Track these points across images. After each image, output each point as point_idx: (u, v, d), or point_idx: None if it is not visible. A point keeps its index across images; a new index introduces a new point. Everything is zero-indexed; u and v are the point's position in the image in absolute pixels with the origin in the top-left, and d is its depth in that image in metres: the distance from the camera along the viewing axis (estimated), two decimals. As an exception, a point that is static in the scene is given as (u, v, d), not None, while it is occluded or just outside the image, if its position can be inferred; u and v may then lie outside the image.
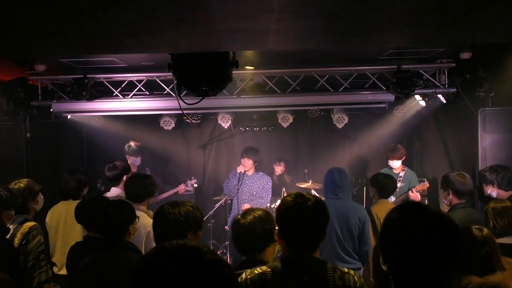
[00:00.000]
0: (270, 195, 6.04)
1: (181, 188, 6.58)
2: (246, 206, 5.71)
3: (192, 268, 1.00)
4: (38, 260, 3.46)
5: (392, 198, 5.72)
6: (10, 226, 3.45)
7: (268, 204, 6.09)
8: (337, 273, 2.06)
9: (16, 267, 3.22)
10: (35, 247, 3.46)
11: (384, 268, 1.49)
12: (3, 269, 2.63)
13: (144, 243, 3.49)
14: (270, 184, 6.08)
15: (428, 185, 5.89)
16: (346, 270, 2.10)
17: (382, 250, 1.53)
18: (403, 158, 6.15)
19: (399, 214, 1.50)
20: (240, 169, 6.03)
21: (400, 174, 6.06)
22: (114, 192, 4.38)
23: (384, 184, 4.61)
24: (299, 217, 2.07)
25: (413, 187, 5.67)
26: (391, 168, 6.10)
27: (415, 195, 5.58)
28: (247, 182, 6.11)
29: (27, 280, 3.41)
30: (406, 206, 1.57)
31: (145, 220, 3.55)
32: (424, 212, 1.48)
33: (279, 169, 7.48)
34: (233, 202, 6.15)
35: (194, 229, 2.47)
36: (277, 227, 2.24)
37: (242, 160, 6.08)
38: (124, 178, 4.41)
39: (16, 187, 3.74)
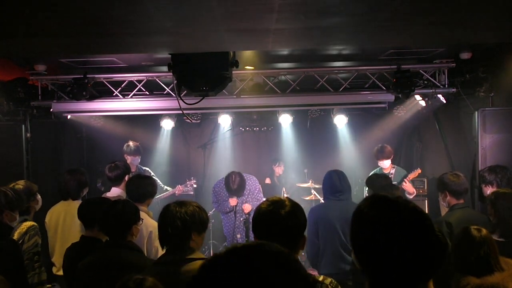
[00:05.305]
0: (262, 193, 5.95)
1: (179, 189, 6.51)
2: (247, 206, 5.71)
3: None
4: (32, 261, 3.40)
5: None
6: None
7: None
8: None
9: (20, 270, 3.16)
10: (30, 248, 3.41)
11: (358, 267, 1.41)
12: (7, 270, 2.59)
13: (146, 244, 3.48)
14: (257, 182, 5.97)
15: (420, 170, 6.05)
16: (320, 279, 2.06)
17: (352, 245, 1.42)
18: (391, 157, 6.21)
19: (370, 208, 1.39)
20: (232, 202, 5.72)
21: (391, 172, 6.11)
22: (115, 192, 4.36)
23: (378, 183, 4.65)
24: (271, 225, 2.03)
25: (407, 177, 5.93)
26: (381, 169, 6.16)
27: (408, 186, 5.88)
28: None
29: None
30: (376, 199, 1.43)
31: (146, 220, 3.54)
32: (396, 207, 1.36)
33: (279, 169, 7.48)
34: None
35: (199, 229, 2.46)
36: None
37: (231, 200, 5.74)
38: (126, 178, 4.41)
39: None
